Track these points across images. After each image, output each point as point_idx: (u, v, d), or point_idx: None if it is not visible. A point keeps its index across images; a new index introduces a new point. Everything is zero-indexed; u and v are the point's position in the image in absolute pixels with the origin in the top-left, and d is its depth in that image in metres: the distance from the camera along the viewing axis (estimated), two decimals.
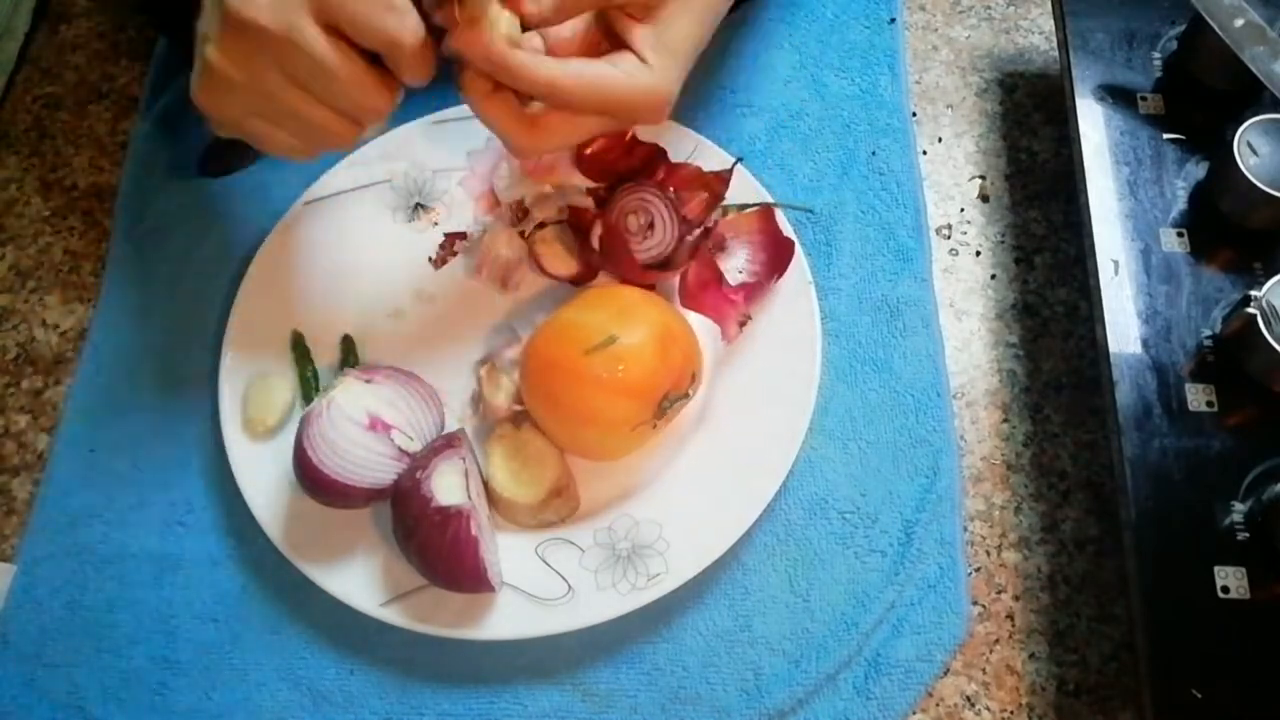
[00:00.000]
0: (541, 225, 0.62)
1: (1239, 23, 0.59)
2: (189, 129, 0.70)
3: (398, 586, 0.55)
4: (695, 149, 0.64)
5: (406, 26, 0.47)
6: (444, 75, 0.50)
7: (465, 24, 0.48)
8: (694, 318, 0.60)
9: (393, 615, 0.54)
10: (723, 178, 0.60)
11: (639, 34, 0.51)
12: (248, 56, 0.47)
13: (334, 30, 0.47)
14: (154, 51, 0.75)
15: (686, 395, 0.56)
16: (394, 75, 0.49)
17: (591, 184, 0.61)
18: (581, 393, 0.54)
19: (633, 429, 0.55)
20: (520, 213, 0.63)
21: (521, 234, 0.63)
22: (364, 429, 0.55)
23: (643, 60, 0.51)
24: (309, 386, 0.60)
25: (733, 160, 0.61)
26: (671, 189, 0.59)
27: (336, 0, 0.46)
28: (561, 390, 0.55)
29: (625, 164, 0.60)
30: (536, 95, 0.50)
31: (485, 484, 0.57)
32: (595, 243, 0.60)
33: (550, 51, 0.52)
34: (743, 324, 0.59)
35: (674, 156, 0.60)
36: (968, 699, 0.56)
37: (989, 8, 0.77)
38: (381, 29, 0.47)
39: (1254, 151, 0.58)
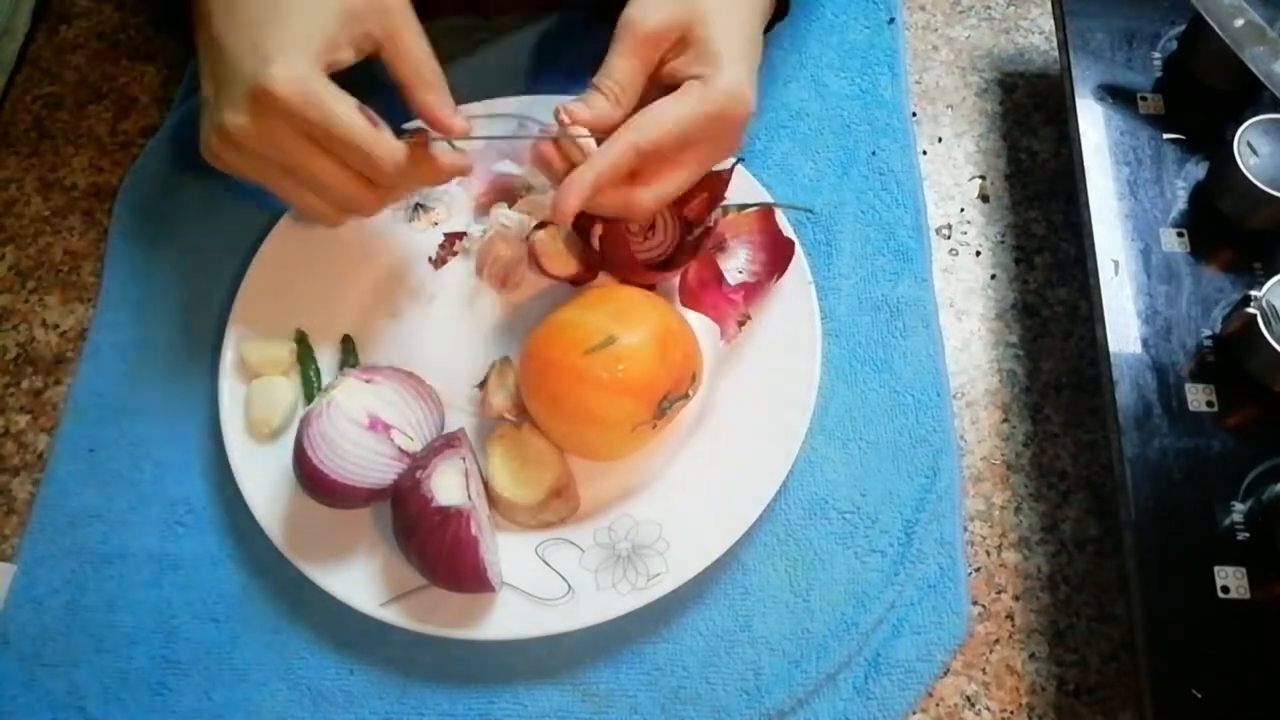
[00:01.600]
0: (542, 225, 0.62)
1: (1239, 23, 0.59)
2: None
3: (398, 586, 0.55)
4: None
5: (382, 150, 0.48)
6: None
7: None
8: (694, 318, 0.60)
9: (393, 615, 0.54)
10: (723, 178, 0.60)
11: (680, 64, 0.52)
12: (271, 126, 0.48)
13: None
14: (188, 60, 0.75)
15: (686, 395, 0.56)
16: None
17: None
18: (581, 393, 0.54)
19: (632, 429, 0.55)
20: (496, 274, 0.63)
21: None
22: (364, 429, 0.55)
23: (697, 78, 0.52)
24: (312, 385, 0.60)
25: (733, 160, 0.61)
26: None
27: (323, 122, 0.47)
28: (561, 390, 0.55)
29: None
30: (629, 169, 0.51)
31: (485, 484, 0.57)
32: (595, 243, 0.60)
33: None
34: (742, 324, 0.59)
35: None
36: (968, 699, 0.56)
37: (989, 8, 0.77)
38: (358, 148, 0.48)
39: (1254, 151, 0.58)
